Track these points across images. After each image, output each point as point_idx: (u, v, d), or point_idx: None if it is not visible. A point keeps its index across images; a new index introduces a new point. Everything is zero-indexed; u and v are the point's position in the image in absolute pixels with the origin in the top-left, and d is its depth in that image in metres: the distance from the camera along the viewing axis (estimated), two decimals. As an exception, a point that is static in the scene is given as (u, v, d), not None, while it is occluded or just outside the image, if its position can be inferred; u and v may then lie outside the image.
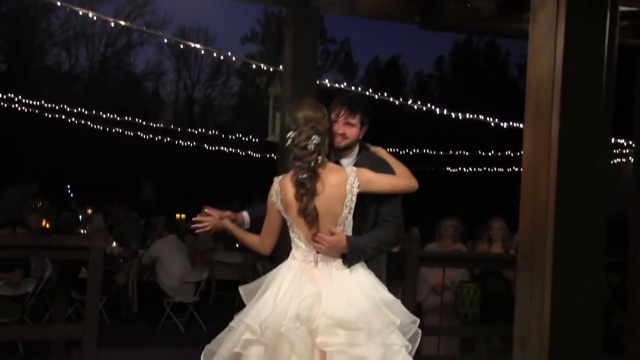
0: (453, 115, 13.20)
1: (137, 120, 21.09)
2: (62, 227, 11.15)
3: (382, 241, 3.93)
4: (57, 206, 13.97)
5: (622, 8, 3.96)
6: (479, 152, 23.78)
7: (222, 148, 23.60)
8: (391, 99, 12.63)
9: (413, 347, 3.69)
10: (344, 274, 3.74)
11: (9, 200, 13.01)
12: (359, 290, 3.68)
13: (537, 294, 3.53)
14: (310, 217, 3.71)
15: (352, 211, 3.77)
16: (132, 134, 21.62)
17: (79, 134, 23.66)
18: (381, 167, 3.98)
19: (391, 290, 3.83)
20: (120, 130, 21.11)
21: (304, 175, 3.69)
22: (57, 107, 19.33)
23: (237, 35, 45.02)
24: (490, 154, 23.51)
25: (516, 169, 22.57)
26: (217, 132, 24.47)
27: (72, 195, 23.27)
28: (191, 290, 9.63)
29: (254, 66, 10.65)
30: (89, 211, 13.97)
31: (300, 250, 3.81)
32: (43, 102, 19.94)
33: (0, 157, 23.40)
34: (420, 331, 3.73)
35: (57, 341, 7.14)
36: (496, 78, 38.33)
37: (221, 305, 10.52)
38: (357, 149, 4.12)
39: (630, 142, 10.51)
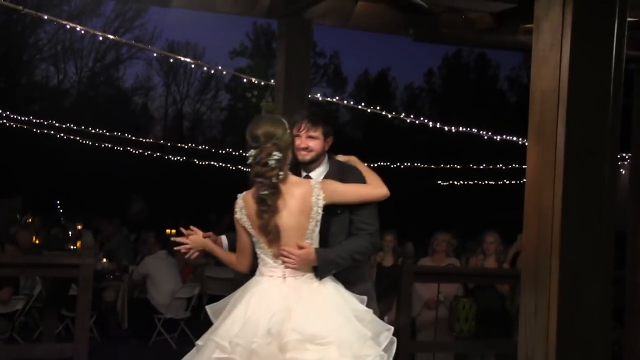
0: (446, 128, 13.15)
1: (126, 135, 21.04)
2: (52, 243, 11.10)
3: (354, 251, 3.86)
4: (47, 222, 13.90)
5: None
6: (470, 165, 23.75)
7: (212, 162, 23.50)
8: (383, 112, 12.55)
9: (389, 356, 3.65)
10: (313, 288, 3.70)
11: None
12: (329, 304, 3.65)
13: (542, 313, 3.44)
14: (271, 234, 3.68)
15: (318, 224, 3.74)
16: (121, 148, 21.49)
17: (68, 149, 23.54)
18: (352, 175, 3.94)
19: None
20: (109, 145, 20.99)
21: (265, 192, 3.66)
22: (45, 122, 19.22)
23: (226, 50, 45.08)
24: (482, 167, 23.48)
25: (507, 182, 22.56)
26: (206, 147, 24.33)
27: (61, 210, 23.14)
28: (182, 306, 9.59)
29: (244, 80, 10.55)
30: (79, 227, 13.89)
31: (267, 266, 3.76)
32: (32, 117, 19.85)
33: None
34: (395, 339, 3.69)
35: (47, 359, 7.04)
36: (487, 90, 38.36)
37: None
38: (325, 161, 4.07)
39: (624, 155, 10.46)
